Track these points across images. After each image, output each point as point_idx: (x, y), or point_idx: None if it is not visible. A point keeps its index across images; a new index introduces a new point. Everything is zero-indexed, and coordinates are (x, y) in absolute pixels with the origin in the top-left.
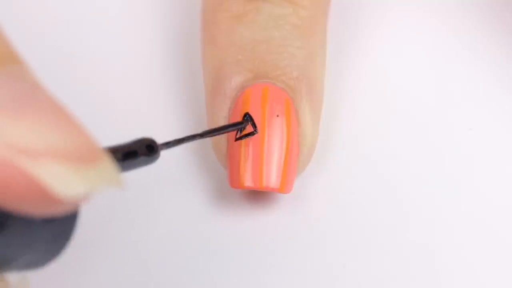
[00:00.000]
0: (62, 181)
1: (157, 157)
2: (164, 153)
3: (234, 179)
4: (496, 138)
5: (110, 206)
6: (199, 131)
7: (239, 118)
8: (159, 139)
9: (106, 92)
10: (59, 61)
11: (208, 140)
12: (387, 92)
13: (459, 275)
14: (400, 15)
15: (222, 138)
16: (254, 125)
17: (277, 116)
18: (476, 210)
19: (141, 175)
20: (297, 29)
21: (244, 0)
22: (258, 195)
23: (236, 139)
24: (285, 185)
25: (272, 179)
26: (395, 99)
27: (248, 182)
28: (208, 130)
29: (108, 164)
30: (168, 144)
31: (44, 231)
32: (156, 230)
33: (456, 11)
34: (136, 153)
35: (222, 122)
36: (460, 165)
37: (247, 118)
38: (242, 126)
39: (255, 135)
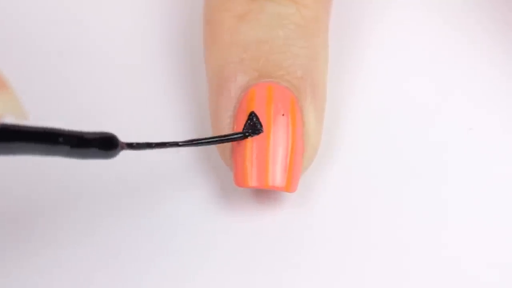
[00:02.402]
0: None
1: (113, 154)
2: (167, 153)
3: (239, 178)
4: (496, 138)
5: (112, 205)
6: (201, 131)
7: (244, 117)
8: (160, 139)
9: (107, 92)
10: (60, 61)
11: None
12: (388, 92)
13: (461, 275)
14: (401, 14)
15: None
16: (259, 124)
17: (282, 115)
18: (476, 210)
19: (143, 174)
20: (300, 29)
21: None
22: (262, 194)
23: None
24: (290, 184)
25: (277, 178)
26: (396, 98)
27: (253, 181)
28: (188, 140)
29: (12, 95)
30: (133, 146)
31: None
32: (160, 229)
33: (457, 10)
34: (89, 143)
35: (226, 121)
36: (460, 165)
37: (252, 117)
38: (238, 138)
39: (261, 134)
